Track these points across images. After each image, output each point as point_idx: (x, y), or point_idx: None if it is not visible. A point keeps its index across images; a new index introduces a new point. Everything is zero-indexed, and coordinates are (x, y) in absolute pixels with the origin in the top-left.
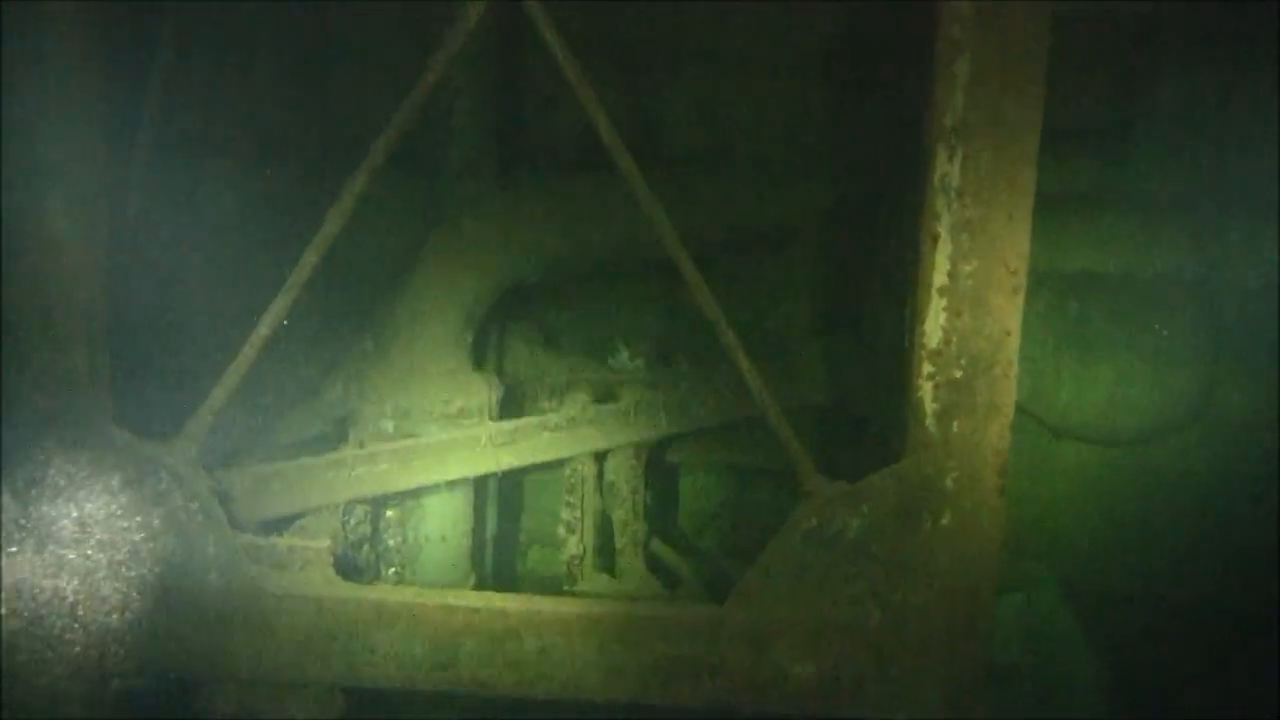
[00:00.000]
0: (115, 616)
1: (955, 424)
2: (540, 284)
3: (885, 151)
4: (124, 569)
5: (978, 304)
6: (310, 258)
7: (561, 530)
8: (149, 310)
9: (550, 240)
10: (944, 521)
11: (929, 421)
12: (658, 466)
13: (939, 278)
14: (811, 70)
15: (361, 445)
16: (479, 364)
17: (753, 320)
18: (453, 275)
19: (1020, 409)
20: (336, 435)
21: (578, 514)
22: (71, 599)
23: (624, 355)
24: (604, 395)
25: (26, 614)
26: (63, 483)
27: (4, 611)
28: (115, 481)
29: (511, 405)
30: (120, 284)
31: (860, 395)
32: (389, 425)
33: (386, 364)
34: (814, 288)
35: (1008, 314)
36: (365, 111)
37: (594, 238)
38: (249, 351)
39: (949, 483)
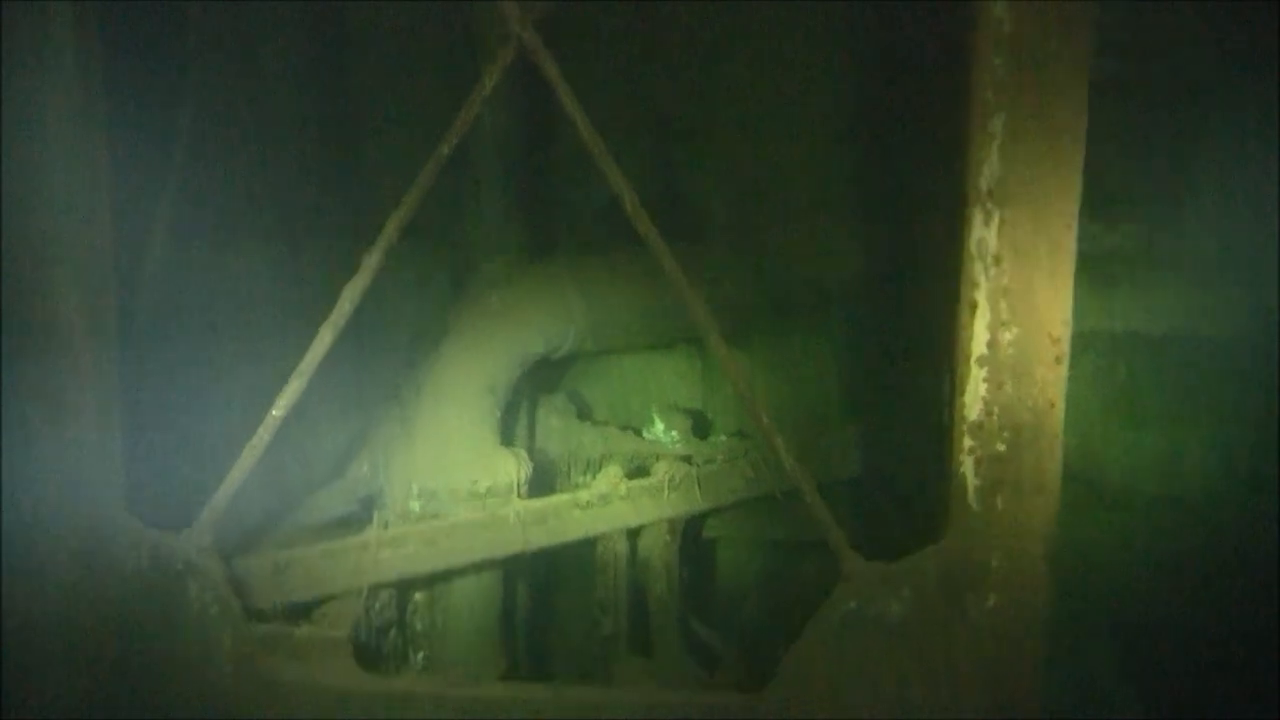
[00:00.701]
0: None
1: (999, 500)
2: (571, 357)
3: (921, 216)
4: (136, 660)
5: (1019, 374)
6: (325, 337)
7: (595, 610)
8: (166, 391)
9: (580, 313)
10: (989, 603)
11: (971, 498)
12: (694, 541)
13: (978, 347)
14: (845, 134)
15: (387, 526)
16: (508, 440)
17: (788, 390)
18: (480, 351)
19: (1070, 475)
20: (362, 515)
21: (611, 593)
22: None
23: (659, 428)
24: (639, 469)
25: None
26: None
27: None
28: (127, 571)
29: (543, 481)
30: (134, 368)
31: (899, 468)
32: (415, 505)
33: (413, 442)
34: (851, 356)
35: (1051, 384)
36: (396, 189)
37: (626, 310)
38: (262, 435)
39: (993, 562)
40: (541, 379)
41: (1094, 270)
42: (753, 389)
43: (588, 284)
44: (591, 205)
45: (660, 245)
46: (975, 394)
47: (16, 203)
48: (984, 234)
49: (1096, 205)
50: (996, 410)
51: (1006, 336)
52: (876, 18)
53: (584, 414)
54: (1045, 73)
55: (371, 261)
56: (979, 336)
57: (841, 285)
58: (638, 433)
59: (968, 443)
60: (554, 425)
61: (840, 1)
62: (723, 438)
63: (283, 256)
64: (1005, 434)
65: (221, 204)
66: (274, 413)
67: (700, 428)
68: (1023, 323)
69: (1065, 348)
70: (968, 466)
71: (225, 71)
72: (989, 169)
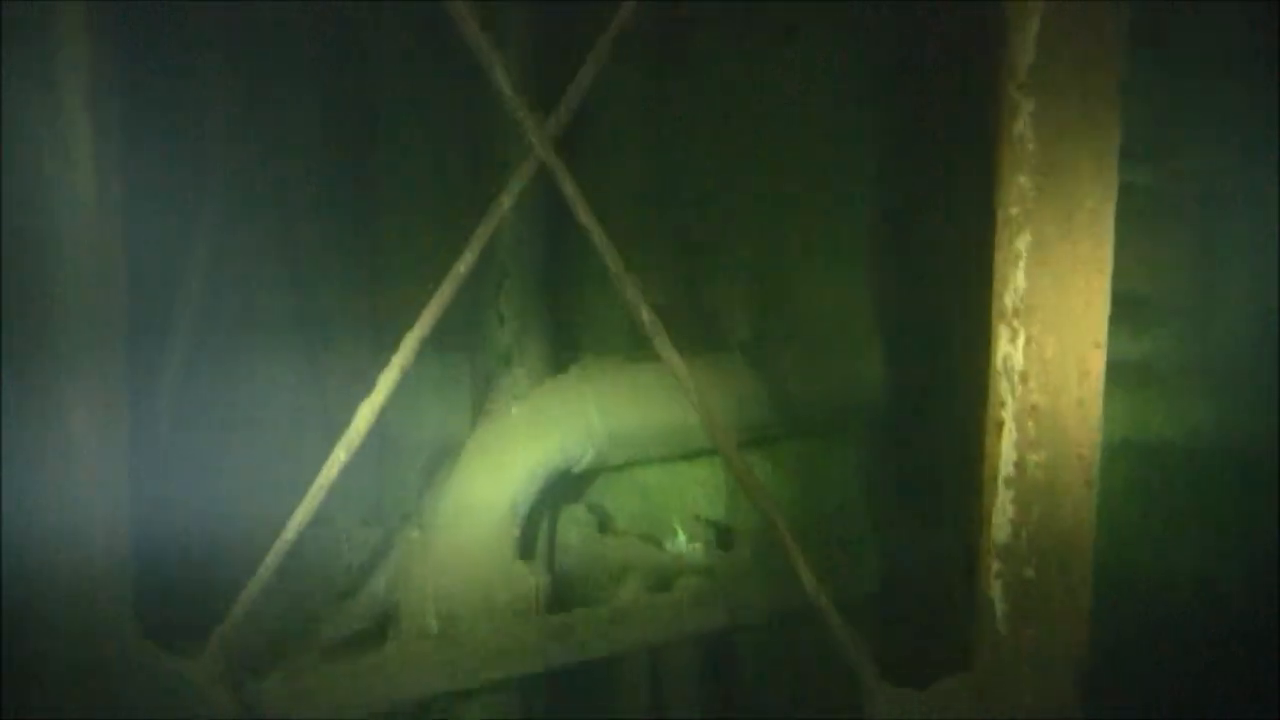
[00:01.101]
0: None
1: (1029, 628)
2: (592, 470)
3: (948, 331)
4: None
5: (1048, 496)
6: (340, 455)
7: None
8: (178, 511)
9: (600, 427)
10: None
11: (1000, 624)
12: (717, 658)
13: (1005, 468)
14: (871, 247)
15: (403, 644)
16: (527, 553)
17: (813, 501)
18: (499, 466)
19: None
20: (378, 632)
21: (632, 713)
22: None
23: (681, 539)
24: (660, 582)
25: None
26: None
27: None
28: (130, 693)
29: (563, 594)
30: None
31: (925, 583)
32: (433, 623)
33: (431, 557)
34: (877, 468)
35: (1081, 507)
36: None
37: (647, 423)
38: (276, 553)
39: (1025, 695)
40: (561, 490)
41: (1124, 380)
42: (773, 504)
43: (608, 397)
44: (613, 317)
45: (677, 362)
46: (1003, 516)
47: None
48: (1009, 351)
49: (1125, 311)
50: (1025, 534)
51: (1034, 457)
52: (901, 130)
53: (605, 525)
54: (1071, 190)
55: (387, 379)
56: (1006, 457)
57: (867, 399)
58: (660, 544)
59: (996, 566)
60: (574, 537)
61: (864, 114)
62: (747, 551)
63: (300, 361)
64: (1034, 558)
65: (239, 311)
66: (285, 535)
67: (724, 540)
68: (1051, 443)
69: (1095, 470)
70: (996, 591)
71: (246, 174)
72: (1014, 286)
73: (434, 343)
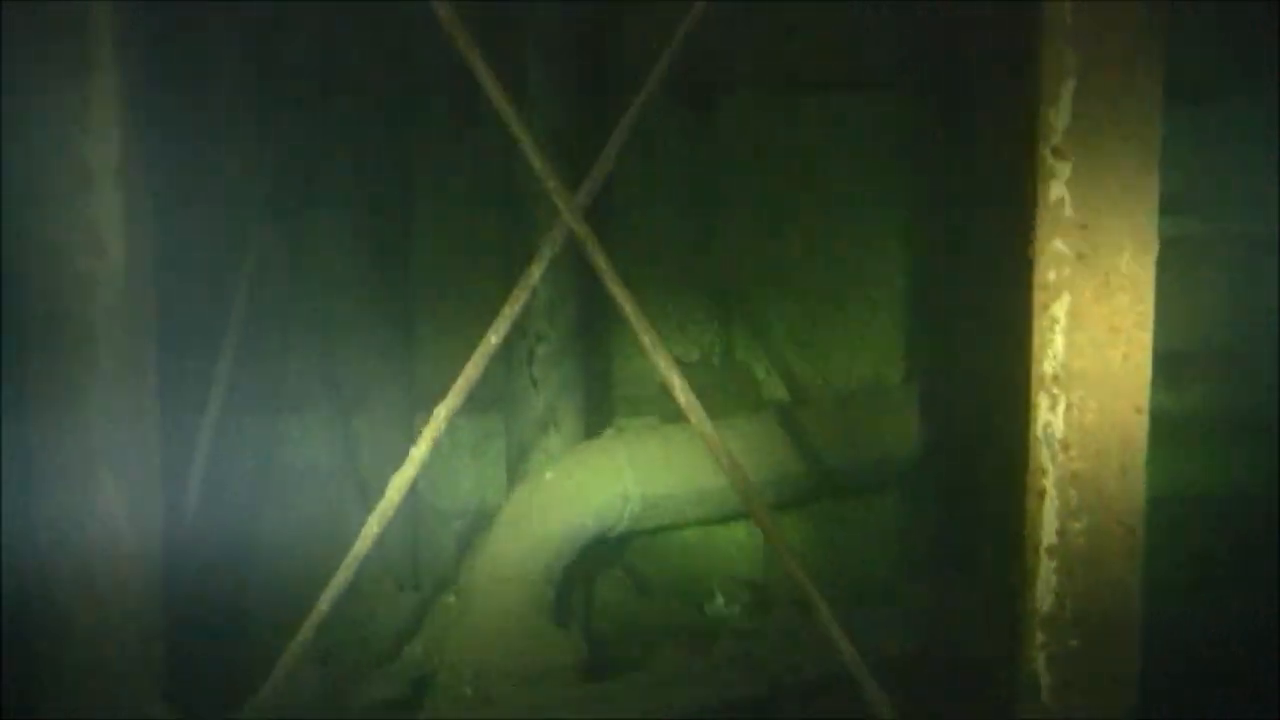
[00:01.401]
0: None
1: (1075, 699)
2: (629, 533)
3: (983, 390)
4: None
5: (1092, 565)
6: (373, 526)
7: None
8: (210, 578)
9: (636, 491)
10: None
11: (1044, 696)
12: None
13: (1047, 536)
14: (908, 307)
15: (438, 711)
16: (564, 618)
17: (852, 564)
18: (534, 529)
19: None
20: (414, 698)
21: None
22: None
23: (719, 601)
24: (699, 646)
25: None
26: None
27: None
28: None
29: (600, 660)
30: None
31: (965, 644)
32: (468, 690)
33: (467, 623)
34: (916, 530)
35: (1127, 575)
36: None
37: (684, 486)
38: (305, 630)
39: None
40: (597, 554)
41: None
42: (804, 567)
43: (643, 461)
44: (647, 377)
45: (708, 429)
46: (1046, 585)
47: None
48: (1050, 419)
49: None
50: (1069, 604)
51: (1077, 526)
52: (938, 187)
53: (642, 588)
54: (1109, 253)
55: (418, 454)
56: (1048, 525)
57: (905, 457)
58: (698, 607)
59: (1039, 637)
60: (611, 601)
61: (901, 170)
62: (787, 612)
63: (334, 425)
64: (1079, 629)
65: (275, 372)
66: (320, 606)
67: (762, 601)
68: (1093, 510)
69: (1140, 537)
70: (1039, 663)
71: (280, 238)
72: (1053, 352)
73: (468, 405)
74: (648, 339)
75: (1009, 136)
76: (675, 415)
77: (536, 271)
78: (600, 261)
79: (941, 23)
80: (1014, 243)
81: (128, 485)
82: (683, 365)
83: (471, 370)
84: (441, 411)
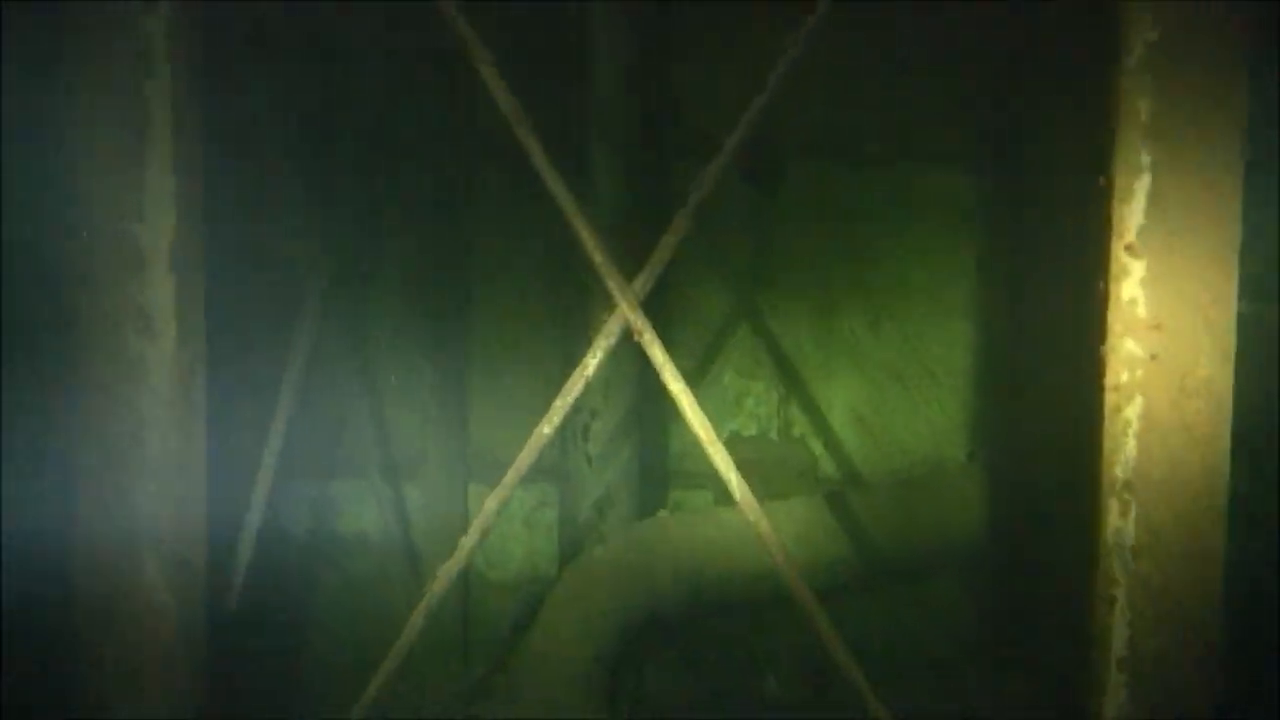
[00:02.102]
0: None
1: None
2: (682, 617)
3: (1050, 478)
4: None
5: (1166, 680)
6: (417, 621)
7: None
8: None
9: (690, 573)
10: None
11: None
12: None
13: (1118, 648)
14: (971, 381)
15: None
16: (614, 700)
17: (915, 643)
18: (585, 612)
19: None
20: None
21: None
22: None
23: (772, 682)
24: None
25: None
26: None
27: None
28: None
29: None
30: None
31: None
32: None
33: (516, 706)
34: (981, 613)
35: (1203, 689)
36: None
37: (738, 569)
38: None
39: None
40: (650, 637)
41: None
42: (848, 652)
43: (696, 543)
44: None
45: (758, 514)
46: (1116, 699)
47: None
48: (1121, 525)
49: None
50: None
51: (1150, 639)
52: (1000, 271)
53: (694, 668)
54: (1184, 354)
55: (467, 543)
56: (1119, 636)
57: (967, 542)
58: (751, 688)
59: None
60: (661, 682)
61: (964, 242)
62: (840, 695)
63: (386, 493)
64: None
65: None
66: (370, 692)
67: (821, 683)
68: (1166, 621)
69: (1215, 650)
70: None
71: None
72: (1124, 456)
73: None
74: (703, 433)
75: (1078, 216)
76: (727, 493)
77: (592, 363)
78: (656, 354)
79: (1012, 99)
80: (1082, 323)
81: (174, 566)
82: (739, 439)
83: (523, 460)
84: (491, 504)
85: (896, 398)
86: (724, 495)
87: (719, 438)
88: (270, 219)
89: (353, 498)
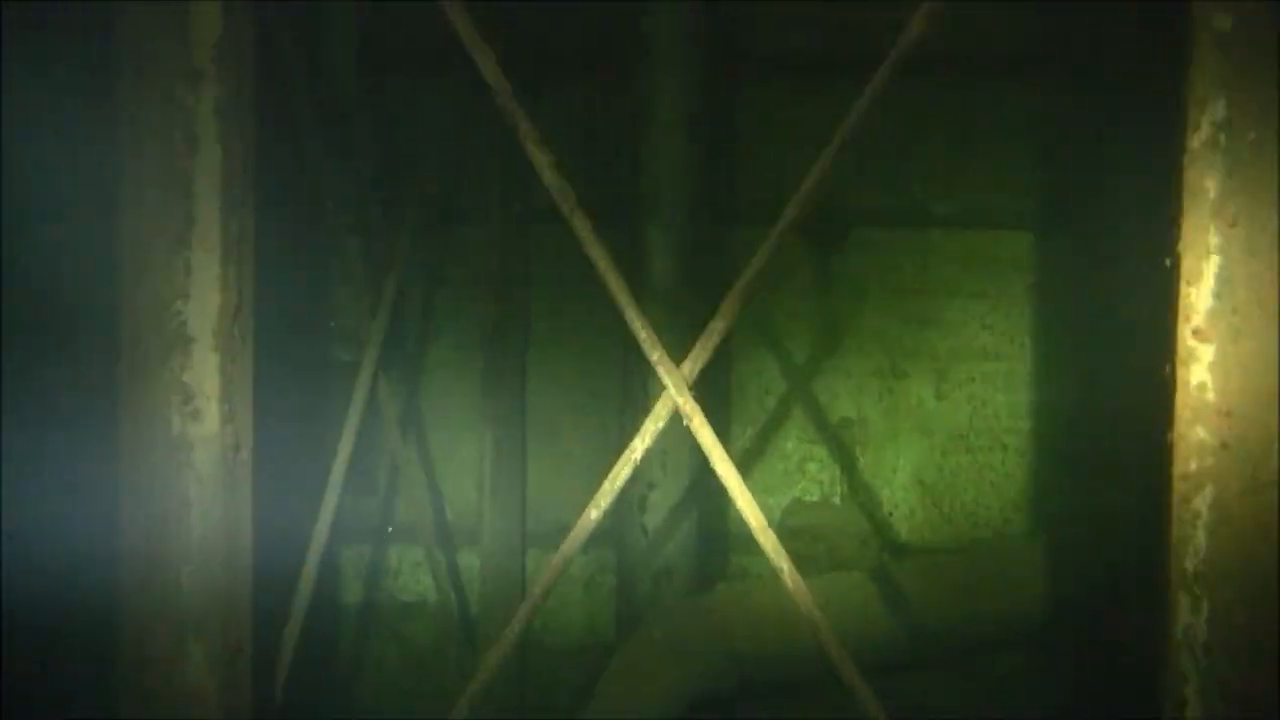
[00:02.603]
0: None
1: None
2: (740, 690)
3: (1117, 552)
4: None
5: None
6: (465, 703)
7: None
8: None
9: (748, 648)
10: None
11: None
12: None
13: None
14: (1037, 449)
15: None
16: None
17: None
18: (642, 688)
19: None
20: None
21: None
22: None
23: None
24: None
25: None
26: None
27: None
28: None
29: None
30: None
31: None
32: None
33: None
34: (1048, 689)
35: None
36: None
37: (795, 645)
38: None
39: None
40: (708, 710)
41: None
42: None
43: (753, 618)
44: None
45: (802, 591)
46: None
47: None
48: (1191, 621)
49: None
50: None
51: None
52: (1066, 335)
53: None
54: (1255, 444)
55: (509, 635)
56: None
57: (1032, 615)
58: None
59: None
60: None
61: (1029, 315)
62: None
63: (442, 559)
64: None
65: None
66: None
67: None
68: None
69: None
70: None
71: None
72: (1194, 548)
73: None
74: (753, 519)
75: (1147, 290)
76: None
77: (640, 447)
78: (705, 438)
79: (1086, 165)
80: (1152, 399)
81: (219, 652)
82: (802, 505)
83: (571, 545)
84: (547, 575)
85: (962, 465)
86: None
87: (782, 503)
88: (328, 284)
89: (408, 564)
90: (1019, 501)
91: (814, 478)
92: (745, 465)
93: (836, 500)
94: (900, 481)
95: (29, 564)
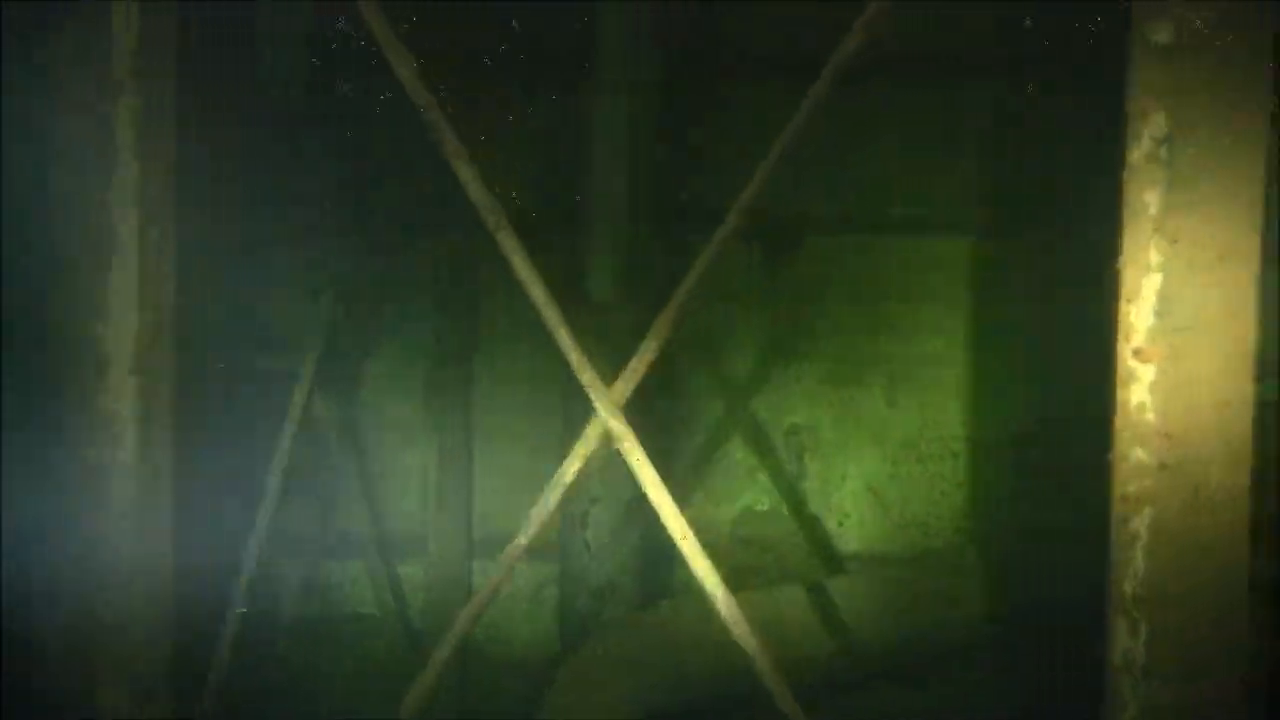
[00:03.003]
0: None
1: None
2: (686, 713)
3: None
4: None
5: None
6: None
7: None
8: None
9: (695, 668)
10: None
11: None
12: None
13: None
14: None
15: None
16: None
17: None
18: (593, 698)
19: None
20: None
21: None
22: None
23: None
24: None
25: None
26: None
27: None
28: None
29: None
30: None
31: None
32: None
33: None
34: (998, 699)
35: None
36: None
37: (727, 667)
38: None
39: None
40: None
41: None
42: None
43: (697, 637)
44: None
45: (737, 621)
46: None
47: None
48: (1130, 645)
49: None
50: None
51: None
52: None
53: None
54: (1196, 463)
55: (438, 658)
56: None
57: (980, 626)
58: None
59: None
60: None
61: (981, 322)
62: None
63: (383, 572)
64: None
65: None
66: None
67: None
68: None
69: None
70: None
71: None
72: (1133, 570)
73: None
74: (685, 544)
75: (1097, 289)
76: (739, 569)
77: (570, 471)
78: (634, 462)
79: (1030, 168)
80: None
81: (138, 699)
82: (752, 515)
83: (498, 578)
84: (486, 590)
85: (914, 473)
86: (733, 574)
87: (731, 513)
88: (265, 295)
89: (350, 578)
90: (971, 511)
91: (764, 487)
92: (695, 475)
93: (786, 510)
94: (850, 490)
95: None
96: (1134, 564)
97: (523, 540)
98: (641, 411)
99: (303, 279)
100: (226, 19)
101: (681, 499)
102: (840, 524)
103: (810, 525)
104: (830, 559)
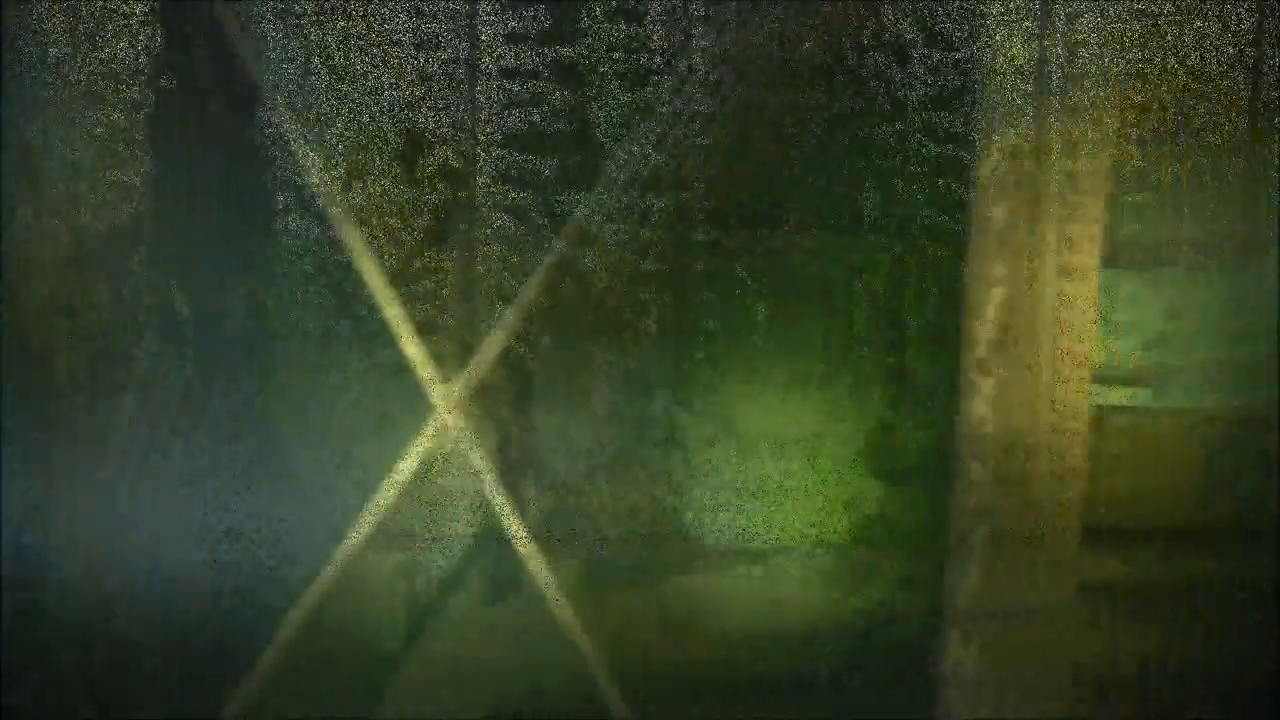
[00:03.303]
0: None
1: None
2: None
3: None
4: None
5: None
6: None
7: None
8: None
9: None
10: None
11: None
12: None
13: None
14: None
15: None
16: None
17: None
18: (434, 698)
19: None
20: None
21: None
22: None
23: None
24: None
25: None
26: None
27: None
28: None
29: None
30: None
31: None
32: None
33: None
34: None
35: None
36: None
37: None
38: None
39: None
40: None
41: None
42: None
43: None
44: None
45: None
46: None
47: None
48: (961, 657)
49: None
50: None
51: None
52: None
53: None
54: (1030, 480)
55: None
56: None
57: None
58: None
59: None
60: None
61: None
62: None
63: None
64: None
65: None
66: None
67: None
68: None
69: None
70: None
71: None
72: (966, 583)
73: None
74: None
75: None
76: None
77: (406, 469)
78: (475, 460)
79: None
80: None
81: None
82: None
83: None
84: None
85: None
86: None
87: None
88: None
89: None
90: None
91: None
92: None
93: (671, 502)
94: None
95: None
96: (968, 577)
97: (354, 540)
98: None
99: None
100: None
101: None
102: (719, 522)
103: (691, 521)
104: (702, 554)
